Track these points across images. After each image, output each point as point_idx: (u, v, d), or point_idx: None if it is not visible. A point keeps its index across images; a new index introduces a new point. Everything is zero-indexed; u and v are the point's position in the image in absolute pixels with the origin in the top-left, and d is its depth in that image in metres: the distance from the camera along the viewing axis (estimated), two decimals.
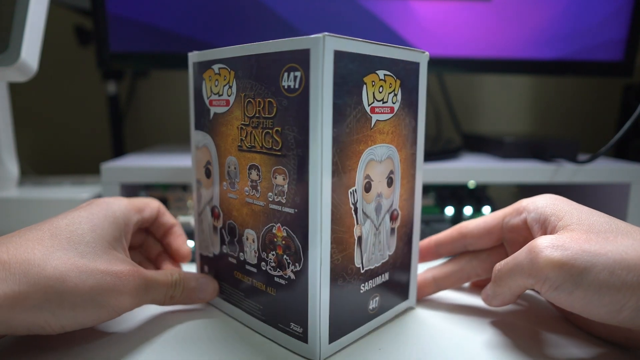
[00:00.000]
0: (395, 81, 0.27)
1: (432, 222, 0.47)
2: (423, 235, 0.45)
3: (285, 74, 0.24)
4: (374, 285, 0.28)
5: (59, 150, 0.76)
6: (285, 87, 0.24)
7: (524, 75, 0.76)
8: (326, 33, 0.23)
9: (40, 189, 0.50)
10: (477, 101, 0.78)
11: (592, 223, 0.25)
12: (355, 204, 0.26)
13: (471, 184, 0.52)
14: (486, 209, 0.50)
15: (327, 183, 0.24)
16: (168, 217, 0.34)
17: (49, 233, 0.25)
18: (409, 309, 0.32)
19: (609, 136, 0.78)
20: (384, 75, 0.26)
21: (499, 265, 0.27)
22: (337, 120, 0.24)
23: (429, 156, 0.49)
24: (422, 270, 0.34)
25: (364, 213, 0.26)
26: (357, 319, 0.28)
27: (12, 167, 0.49)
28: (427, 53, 0.29)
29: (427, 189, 0.52)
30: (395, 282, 0.30)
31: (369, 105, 0.25)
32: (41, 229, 0.25)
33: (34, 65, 0.40)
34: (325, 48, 0.23)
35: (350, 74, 0.24)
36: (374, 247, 0.28)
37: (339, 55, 0.23)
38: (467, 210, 0.49)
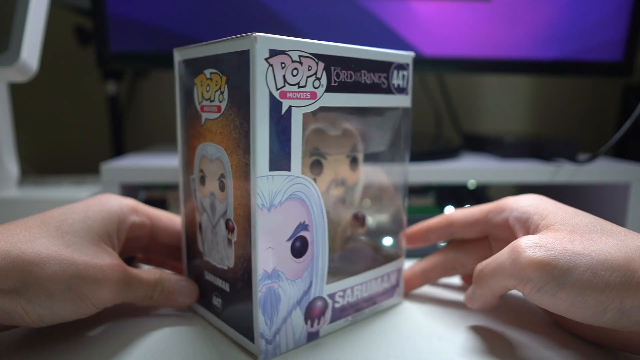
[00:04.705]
0: (221, 78, 0.25)
1: None
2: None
3: None
4: (214, 283, 0.28)
5: (59, 150, 0.76)
6: None
7: (523, 75, 0.76)
8: (176, 48, 0.28)
9: (40, 188, 0.50)
10: (477, 101, 0.78)
11: (576, 223, 0.24)
12: (195, 192, 0.29)
13: (471, 184, 0.52)
14: None
15: (180, 167, 0.30)
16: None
17: (40, 221, 0.25)
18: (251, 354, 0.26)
19: (608, 136, 0.78)
20: (210, 73, 0.26)
21: (480, 266, 0.27)
22: (182, 118, 0.29)
23: (429, 156, 0.49)
24: (409, 264, 0.35)
25: (201, 204, 0.28)
26: (205, 300, 0.29)
27: (12, 167, 0.49)
28: (256, 35, 0.22)
29: (427, 188, 0.52)
30: (237, 306, 0.26)
31: (199, 103, 0.27)
32: (34, 218, 0.26)
33: (34, 65, 0.40)
34: (175, 60, 0.29)
35: (186, 77, 0.28)
36: (212, 244, 0.28)
37: (181, 64, 0.28)
38: None
